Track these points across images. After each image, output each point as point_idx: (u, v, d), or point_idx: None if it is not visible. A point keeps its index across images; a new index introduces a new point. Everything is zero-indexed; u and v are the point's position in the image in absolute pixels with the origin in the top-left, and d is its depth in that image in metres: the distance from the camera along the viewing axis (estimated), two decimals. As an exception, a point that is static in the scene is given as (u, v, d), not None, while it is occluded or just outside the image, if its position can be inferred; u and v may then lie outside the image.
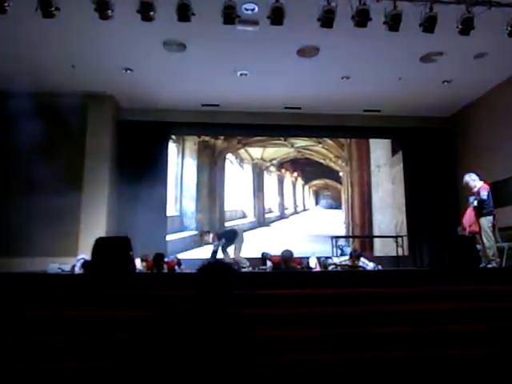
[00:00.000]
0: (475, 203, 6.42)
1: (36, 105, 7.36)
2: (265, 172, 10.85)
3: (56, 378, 3.16)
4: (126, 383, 1.99)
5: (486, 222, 6.32)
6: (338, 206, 10.83)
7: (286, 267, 6.95)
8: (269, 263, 7.74)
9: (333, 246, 9.12)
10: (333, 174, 10.90)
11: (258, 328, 3.24)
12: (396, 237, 9.59)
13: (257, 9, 6.04)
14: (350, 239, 10.31)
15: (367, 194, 10.70)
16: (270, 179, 10.86)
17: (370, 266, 7.40)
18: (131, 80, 8.35)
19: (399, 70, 8.05)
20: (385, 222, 10.52)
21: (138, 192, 8.82)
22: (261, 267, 7.94)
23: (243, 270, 7.78)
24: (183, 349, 1.87)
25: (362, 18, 5.55)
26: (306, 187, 11.01)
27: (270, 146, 10.90)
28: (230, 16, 5.58)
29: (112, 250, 5.00)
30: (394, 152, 10.81)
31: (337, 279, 4.91)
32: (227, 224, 10.13)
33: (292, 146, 10.90)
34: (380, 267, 7.63)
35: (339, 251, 8.97)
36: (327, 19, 5.59)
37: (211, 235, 8.63)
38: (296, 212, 10.88)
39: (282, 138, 10.80)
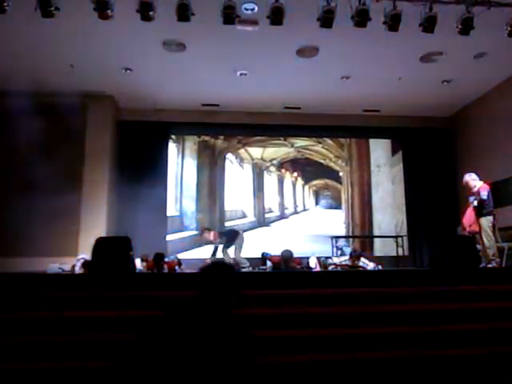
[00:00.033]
0: (475, 203, 6.42)
1: (36, 105, 7.36)
2: (265, 172, 10.85)
3: (56, 377, 3.16)
4: (127, 383, 1.99)
5: (486, 221, 6.32)
6: (338, 206, 10.82)
7: (286, 267, 6.95)
8: (269, 263, 7.74)
9: (333, 246, 9.12)
10: (333, 174, 10.90)
11: (258, 328, 3.23)
12: (396, 237, 9.59)
13: (256, 9, 6.04)
14: (350, 239, 10.32)
15: (367, 193, 10.70)
16: (270, 179, 10.86)
17: (370, 266, 7.40)
18: (131, 80, 8.35)
19: (399, 70, 8.05)
20: (385, 222, 10.52)
21: (138, 192, 8.81)
22: (261, 267, 7.94)
23: (243, 270, 7.78)
24: (184, 349, 1.87)
25: (361, 18, 5.56)
26: (306, 187, 11.01)
27: (270, 145, 10.90)
28: (230, 16, 5.58)
29: (112, 249, 5.00)
30: (393, 152, 10.81)
31: (337, 279, 4.90)
32: (227, 224, 10.13)
33: (292, 146, 10.90)
34: (380, 267, 7.63)
35: (339, 251, 8.97)
36: (327, 19, 5.60)
37: (212, 233, 8.62)
38: (296, 212, 10.88)
39: (281, 138, 10.80)
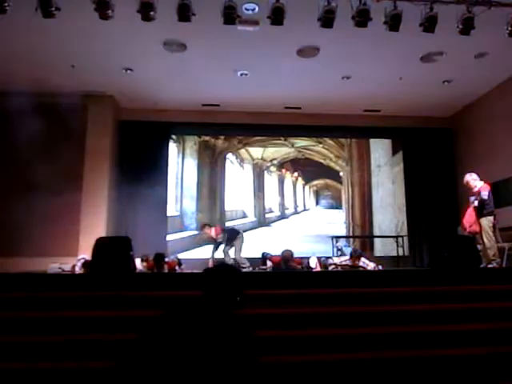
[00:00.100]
0: (476, 203, 6.42)
1: (36, 105, 7.37)
2: (265, 172, 10.85)
3: (56, 377, 3.16)
4: (127, 383, 1.99)
5: (487, 222, 6.31)
6: (338, 206, 10.83)
7: (286, 267, 6.95)
8: (269, 263, 7.74)
9: (333, 246, 9.12)
10: (333, 174, 10.90)
11: (258, 328, 3.23)
12: (396, 237, 9.59)
13: (257, 9, 6.04)
14: (351, 239, 10.32)
15: (367, 193, 10.70)
16: (271, 179, 10.86)
17: (371, 266, 7.39)
18: (131, 80, 8.35)
19: (399, 70, 8.05)
20: (385, 222, 10.52)
21: (139, 192, 8.82)
22: (261, 267, 7.94)
23: (243, 270, 7.78)
24: (186, 348, 1.87)
25: (362, 18, 5.56)
26: (307, 187, 11.01)
27: (271, 145, 10.90)
28: (231, 16, 5.59)
29: (112, 249, 5.00)
30: (394, 152, 10.81)
31: (337, 279, 4.90)
32: (227, 224, 10.13)
33: (292, 146, 10.90)
34: (380, 267, 7.62)
35: (339, 252, 8.96)
36: (327, 19, 5.60)
37: (213, 229, 8.64)
38: (296, 212, 10.88)
39: (282, 138, 10.80)
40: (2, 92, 7.59)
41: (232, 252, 8.46)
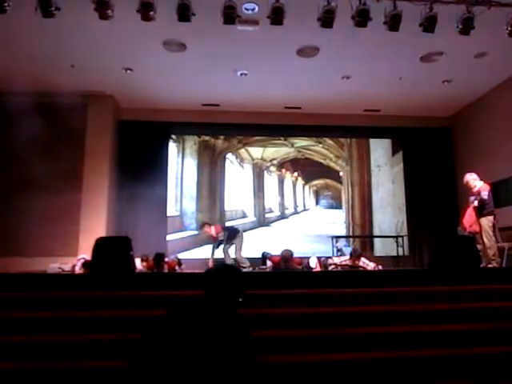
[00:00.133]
0: (475, 203, 6.42)
1: (36, 104, 7.37)
2: (265, 172, 10.85)
3: (56, 377, 3.16)
4: (127, 383, 1.99)
5: (487, 221, 6.31)
6: (338, 206, 10.83)
7: (286, 267, 6.95)
8: (269, 263, 7.74)
9: (333, 246, 9.12)
10: (333, 174, 10.90)
11: (258, 328, 3.24)
12: (396, 237, 9.59)
13: (257, 9, 6.04)
14: (351, 239, 10.32)
15: (367, 193, 10.70)
16: (271, 179, 10.86)
17: (371, 266, 7.39)
18: (131, 80, 8.35)
19: (399, 70, 8.05)
20: (385, 222, 10.52)
21: (138, 192, 8.82)
22: (260, 267, 7.94)
23: (244, 270, 7.79)
24: (187, 348, 1.87)
25: (362, 18, 5.56)
26: (307, 187, 11.01)
27: (271, 145, 10.90)
28: (231, 16, 5.59)
29: (112, 249, 5.00)
30: (394, 152, 10.81)
31: (337, 279, 4.90)
32: (227, 224, 10.12)
33: (292, 146, 10.90)
34: (380, 267, 7.62)
35: (338, 252, 8.96)
36: (327, 19, 5.60)
37: (212, 227, 8.65)
38: (296, 212, 10.88)
39: (282, 138, 10.80)
40: (1, 92, 7.59)
41: (232, 251, 8.47)
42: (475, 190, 6.50)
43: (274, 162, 10.91)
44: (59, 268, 7.19)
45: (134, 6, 5.36)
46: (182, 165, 10.39)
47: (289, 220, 10.76)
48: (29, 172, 7.58)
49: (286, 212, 10.81)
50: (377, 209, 10.61)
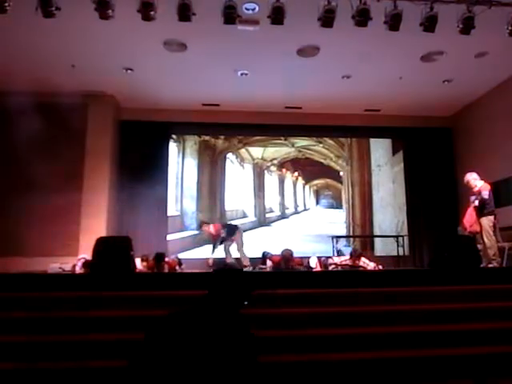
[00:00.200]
0: (476, 203, 6.41)
1: (36, 104, 7.37)
2: (265, 171, 10.85)
3: (56, 377, 3.16)
4: (127, 383, 1.99)
5: (487, 221, 6.31)
6: (338, 206, 10.83)
7: (286, 267, 6.95)
8: (269, 262, 7.73)
9: (333, 246, 9.11)
10: (333, 174, 10.90)
11: (258, 328, 3.23)
12: (397, 236, 9.58)
13: (257, 8, 6.03)
14: (351, 239, 10.31)
15: (368, 193, 10.69)
16: (271, 179, 10.86)
17: (371, 265, 7.39)
18: (131, 80, 8.35)
19: (400, 70, 8.04)
20: (385, 222, 10.52)
21: (139, 192, 8.83)
22: (260, 266, 7.94)
23: (245, 269, 7.81)
24: (189, 348, 1.87)
25: (362, 18, 5.56)
26: (307, 187, 11.01)
27: (271, 145, 10.90)
28: (231, 16, 5.59)
29: (113, 249, 5.00)
30: (394, 151, 10.80)
31: (337, 279, 4.90)
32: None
33: (292, 146, 10.90)
34: (381, 267, 7.62)
35: (337, 253, 8.95)
36: (328, 19, 5.60)
37: (211, 226, 8.68)
38: (297, 212, 10.88)
39: (282, 138, 10.80)
40: (2, 92, 7.59)
41: (233, 249, 8.49)
42: (476, 189, 6.49)
43: (275, 161, 10.91)
44: (59, 268, 7.20)
45: (135, 5, 5.36)
46: (182, 165, 10.39)
47: (289, 220, 10.75)
48: (29, 172, 7.59)
49: (287, 212, 10.81)
50: (377, 209, 10.61)
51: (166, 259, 7.54)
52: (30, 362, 3.26)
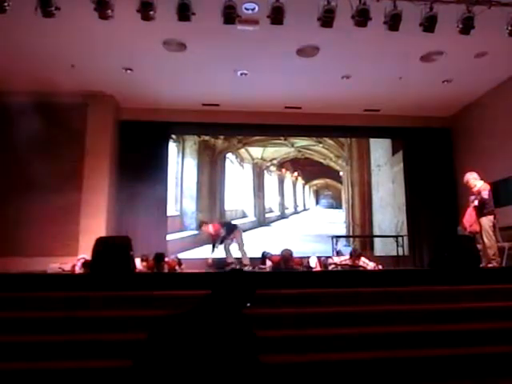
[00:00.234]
0: (476, 202, 6.41)
1: (36, 104, 7.37)
2: (265, 171, 10.85)
3: (56, 377, 3.16)
4: (127, 383, 1.99)
5: (487, 221, 6.31)
6: (338, 206, 10.83)
7: (286, 267, 6.95)
8: (268, 262, 7.74)
9: (333, 246, 9.11)
10: (333, 174, 10.90)
11: (258, 328, 3.23)
12: (396, 236, 9.57)
13: (257, 8, 6.03)
14: (351, 239, 10.31)
15: (367, 193, 10.70)
16: (271, 179, 10.86)
17: (371, 265, 7.39)
18: (131, 80, 8.34)
19: (399, 70, 8.04)
20: (385, 222, 10.52)
21: (138, 192, 8.82)
22: (260, 266, 7.94)
23: (245, 268, 7.83)
24: (191, 348, 1.88)
25: (362, 18, 5.56)
26: (307, 187, 11.01)
27: (271, 145, 10.90)
28: (231, 16, 5.59)
29: (112, 249, 5.00)
30: (394, 151, 10.81)
31: (337, 279, 4.90)
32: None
33: (292, 146, 10.90)
34: (380, 267, 7.62)
35: (337, 254, 8.95)
36: (327, 19, 5.60)
37: (210, 225, 8.70)
38: (296, 212, 10.88)
39: (282, 138, 10.80)
40: (1, 92, 7.58)
41: (233, 248, 8.50)
42: (475, 189, 6.49)
43: (274, 161, 10.91)
44: (59, 268, 7.19)
45: (134, 5, 5.36)
46: (182, 165, 10.38)
47: (289, 220, 10.75)
48: (29, 172, 7.59)
49: (286, 212, 10.81)
50: (377, 208, 10.61)
51: (166, 259, 7.54)
52: (30, 362, 3.26)
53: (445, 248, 5.41)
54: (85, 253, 7.04)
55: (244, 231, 9.18)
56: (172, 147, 10.27)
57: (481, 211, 6.37)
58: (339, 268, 7.41)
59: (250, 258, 8.45)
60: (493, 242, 6.27)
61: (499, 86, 8.65)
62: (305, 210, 10.91)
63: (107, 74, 8.18)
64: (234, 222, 9.27)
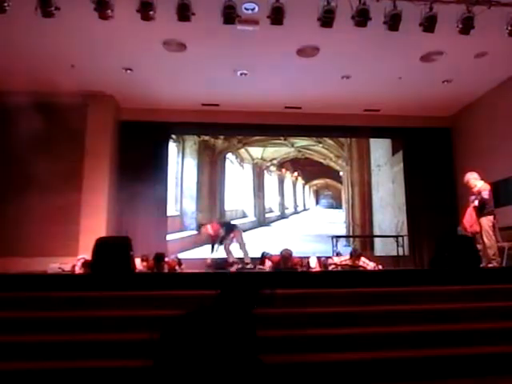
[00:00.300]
0: (476, 202, 6.41)
1: (36, 104, 7.36)
2: (265, 172, 10.85)
3: (56, 377, 3.16)
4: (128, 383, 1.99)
5: (487, 221, 6.30)
6: (338, 206, 10.82)
7: (286, 267, 6.95)
8: (268, 263, 7.73)
9: (333, 246, 9.11)
10: (333, 174, 10.90)
11: (258, 328, 3.23)
12: (396, 236, 9.57)
13: (257, 8, 6.03)
14: (351, 239, 10.31)
15: (367, 193, 10.69)
16: (271, 179, 10.86)
17: (371, 265, 7.39)
18: (131, 80, 8.35)
19: (399, 70, 8.05)
20: (385, 222, 10.51)
21: (138, 192, 8.82)
22: (259, 266, 7.94)
23: (246, 267, 7.86)
24: (196, 348, 1.88)
25: (362, 18, 5.56)
26: (307, 187, 11.01)
27: (271, 145, 10.90)
28: (231, 16, 5.59)
29: (112, 249, 5.00)
30: (394, 151, 10.80)
31: (337, 279, 4.90)
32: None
33: (292, 146, 10.90)
34: (380, 267, 7.62)
35: (337, 255, 8.94)
36: (327, 19, 5.60)
37: (208, 226, 8.71)
38: (296, 212, 10.87)
39: (282, 138, 10.80)
40: (1, 92, 7.58)
41: (234, 248, 8.50)
42: (475, 189, 6.49)
43: (274, 161, 10.90)
44: (59, 268, 7.20)
45: (134, 5, 5.37)
46: (182, 165, 10.38)
47: (289, 220, 10.75)
48: (29, 172, 7.58)
49: (286, 212, 10.81)
50: (377, 209, 10.61)
51: (166, 259, 7.54)
52: (30, 362, 3.26)
53: (445, 248, 5.41)
54: (85, 253, 7.03)
55: (244, 231, 9.18)
56: (172, 147, 10.27)
57: (481, 211, 6.37)
58: (339, 268, 7.41)
59: (251, 258, 8.44)
60: (493, 242, 6.26)
61: (499, 86, 8.65)
62: (305, 210, 10.91)
63: (107, 74, 8.18)
64: (233, 222, 9.28)
